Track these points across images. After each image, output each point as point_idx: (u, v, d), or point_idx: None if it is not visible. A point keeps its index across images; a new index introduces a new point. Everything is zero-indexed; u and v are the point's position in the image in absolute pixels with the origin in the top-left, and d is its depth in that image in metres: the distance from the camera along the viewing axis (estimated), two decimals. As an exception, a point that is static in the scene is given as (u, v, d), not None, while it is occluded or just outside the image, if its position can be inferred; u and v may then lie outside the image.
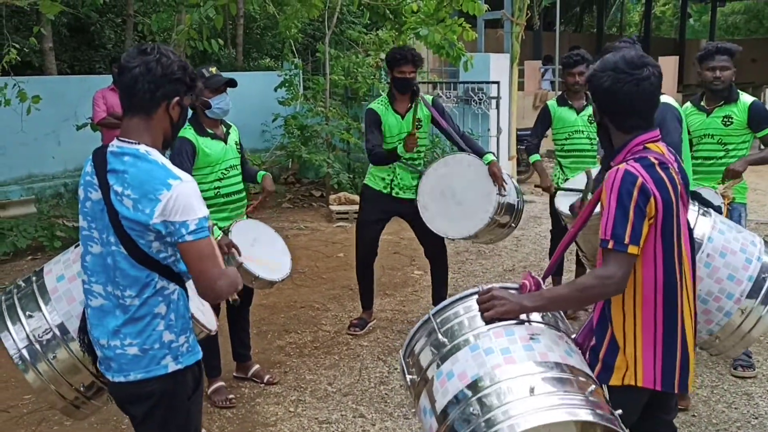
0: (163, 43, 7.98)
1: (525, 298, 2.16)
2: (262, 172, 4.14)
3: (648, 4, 24.37)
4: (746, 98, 4.18)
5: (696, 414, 3.80)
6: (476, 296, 2.20)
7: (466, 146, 4.73)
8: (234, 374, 4.34)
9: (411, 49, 4.77)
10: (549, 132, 5.36)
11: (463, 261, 6.72)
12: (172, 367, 2.22)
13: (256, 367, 4.37)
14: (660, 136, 2.23)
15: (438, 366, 2.08)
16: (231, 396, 4.04)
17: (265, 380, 4.30)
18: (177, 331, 2.23)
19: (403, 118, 4.72)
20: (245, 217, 4.07)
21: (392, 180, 4.78)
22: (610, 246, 2.08)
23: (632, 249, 2.07)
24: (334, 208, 8.60)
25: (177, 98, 2.17)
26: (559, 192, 4.78)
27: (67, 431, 3.77)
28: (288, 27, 8.88)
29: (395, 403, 4.01)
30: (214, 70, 3.87)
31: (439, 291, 5.09)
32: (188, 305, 2.30)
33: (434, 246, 4.93)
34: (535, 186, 5.35)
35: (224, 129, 3.97)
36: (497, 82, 9.50)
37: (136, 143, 2.14)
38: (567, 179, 4.99)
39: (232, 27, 12.37)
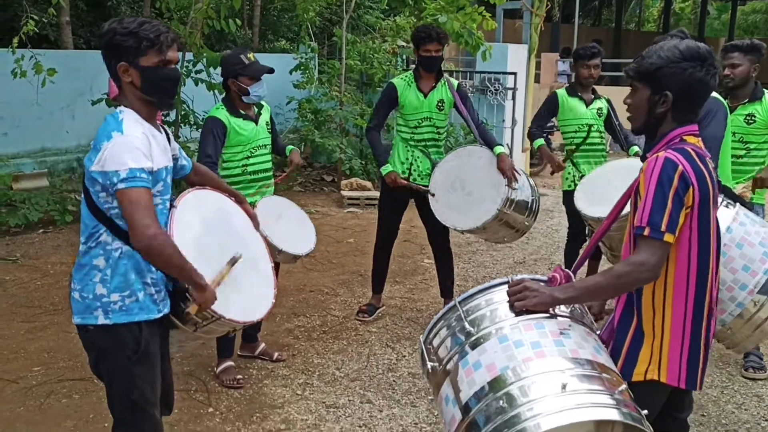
0: (180, 21, 7.95)
1: (556, 290, 2.12)
2: (290, 147, 4.26)
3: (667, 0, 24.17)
4: None
5: (705, 413, 3.78)
6: (504, 286, 2.16)
7: (479, 137, 4.70)
8: (239, 353, 4.33)
9: (435, 27, 4.73)
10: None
11: (473, 251, 6.69)
12: (102, 320, 2.34)
13: (263, 345, 4.38)
14: (698, 131, 2.20)
15: (464, 355, 2.04)
16: (239, 376, 4.03)
17: (274, 357, 4.32)
18: (110, 287, 2.33)
19: (426, 97, 4.70)
20: (272, 193, 4.15)
21: (411, 165, 4.76)
22: (645, 233, 2.04)
23: (668, 237, 2.04)
24: (346, 193, 8.58)
25: (122, 63, 2.29)
26: (577, 192, 4.69)
27: (75, 404, 3.77)
28: (306, 10, 8.83)
29: (403, 390, 4.00)
30: (251, 56, 3.91)
31: (445, 279, 5.08)
32: (138, 267, 2.35)
33: (437, 232, 4.91)
34: (551, 173, 5.26)
35: (256, 110, 4.06)
36: (514, 73, 9.43)
37: (121, 106, 2.36)
38: (582, 176, 4.90)
39: (249, 8, 12.32)
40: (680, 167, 2.05)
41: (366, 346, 4.59)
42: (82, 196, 2.35)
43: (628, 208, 3.89)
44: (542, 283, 2.18)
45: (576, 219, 4.95)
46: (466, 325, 2.08)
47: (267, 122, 4.12)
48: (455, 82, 4.81)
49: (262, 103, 4.11)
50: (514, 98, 9.55)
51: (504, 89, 9.49)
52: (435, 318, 2.22)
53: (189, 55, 7.25)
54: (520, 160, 10.17)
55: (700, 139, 2.20)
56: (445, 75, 4.81)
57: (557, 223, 7.85)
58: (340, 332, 4.80)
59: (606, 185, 4.46)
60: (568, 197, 4.99)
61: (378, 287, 5.13)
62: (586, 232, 4.98)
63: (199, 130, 7.84)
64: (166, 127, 2.55)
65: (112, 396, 2.47)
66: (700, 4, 25.83)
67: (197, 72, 7.27)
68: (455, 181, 4.57)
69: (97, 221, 2.31)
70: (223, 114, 3.88)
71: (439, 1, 7.18)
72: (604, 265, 5.07)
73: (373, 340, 4.69)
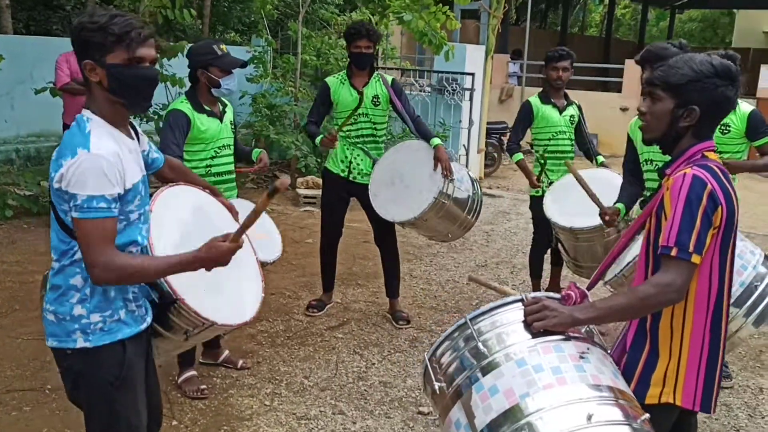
0: (130, 8, 7.60)
1: (576, 310, 2.01)
2: (257, 150, 4.04)
3: (611, 6, 24.65)
4: (745, 107, 4.14)
5: (679, 423, 3.77)
6: (518, 305, 2.05)
7: (416, 131, 4.69)
8: (201, 360, 4.13)
9: (367, 24, 4.71)
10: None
11: (434, 254, 6.61)
12: (81, 343, 2.15)
13: (227, 352, 4.21)
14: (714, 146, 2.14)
15: (477, 378, 1.92)
16: (203, 386, 3.83)
17: (239, 365, 4.14)
18: (89, 307, 2.14)
19: (359, 93, 4.65)
20: (236, 196, 3.96)
21: (350, 164, 4.72)
22: (673, 253, 1.96)
23: (695, 258, 1.97)
24: (302, 191, 8.40)
25: (88, 61, 2.07)
26: (546, 200, 4.65)
27: (26, 417, 3.51)
28: (264, 3, 8.60)
29: (375, 400, 3.88)
30: (224, 48, 3.71)
31: (391, 279, 5.03)
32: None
33: (383, 232, 4.87)
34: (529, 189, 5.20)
35: (221, 107, 3.84)
36: (472, 74, 9.39)
37: (87, 110, 2.13)
38: (551, 182, 4.87)
39: (200, -3, 11.93)
40: (709, 186, 1.99)
41: (333, 352, 4.44)
42: (51, 212, 2.14)
43: (598, 220, 3.88)
44: (557, 302, 2.08)
45: (543, 225, 4.91)
46: (480, 345, 1.95)
47: (231, 121, 3.94)
48: (390, 78, 4.80)
49: (226, 101, 3.93)
50: (471, 99, 9.52)
51: (461, 89, 9.45)
52: (443, 335, 2.09)
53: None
54: (476, 161, 10.16)
55: (717, 155, 2.15)
56: (378, 71, 4.80)
57: (515, 226, 7.85)
58: (305, 338, 4.64)
59: (577, 194, 4.42)
60: (535, 203, 4.94)
61: (328, 285, 5.12)
62: (552, 238, 4.93)
63: (150, 123, 7.56)
64: (133, 122, 2.33)
65: (93, 427, 2.25)
66: (640, 11, 26.43)
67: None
68: (394, 176, 4.58)
69: (71, 238, 2.09)
70: (186, 107, 3.68)
71: (404, -1, 7.04)
72: (568, 274, 5.03)
73: (340, 346, 4.54)
